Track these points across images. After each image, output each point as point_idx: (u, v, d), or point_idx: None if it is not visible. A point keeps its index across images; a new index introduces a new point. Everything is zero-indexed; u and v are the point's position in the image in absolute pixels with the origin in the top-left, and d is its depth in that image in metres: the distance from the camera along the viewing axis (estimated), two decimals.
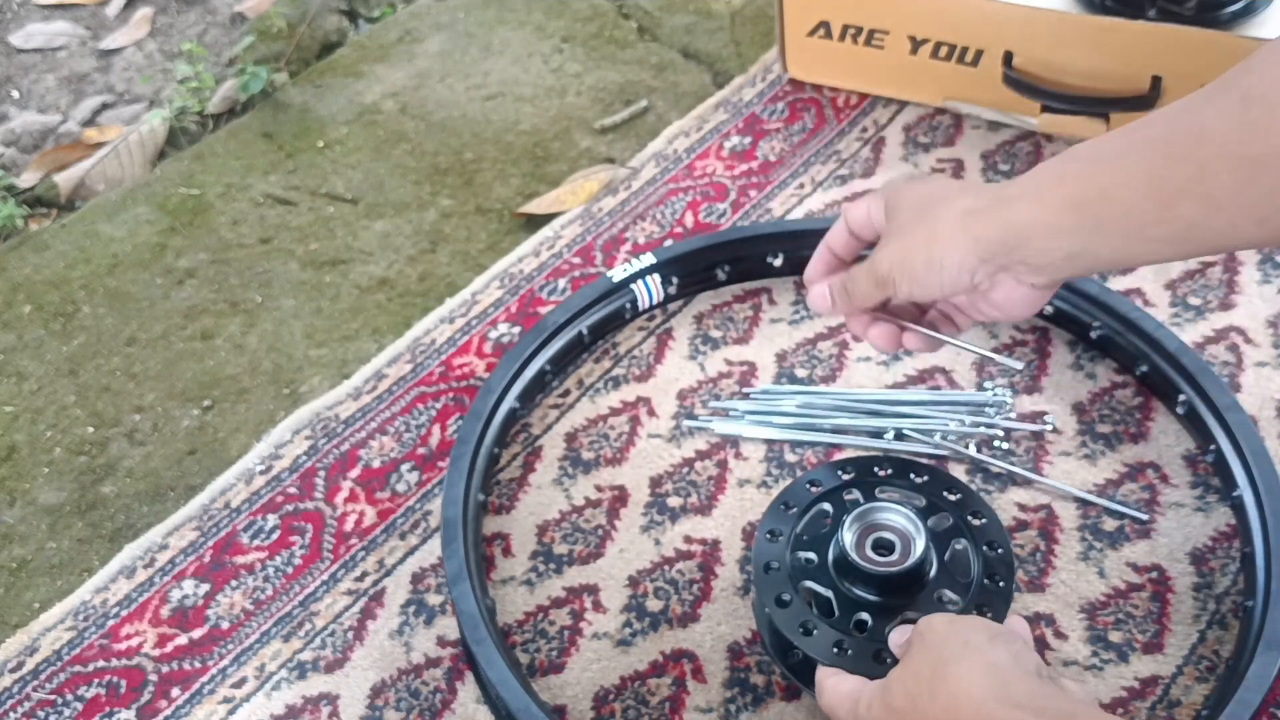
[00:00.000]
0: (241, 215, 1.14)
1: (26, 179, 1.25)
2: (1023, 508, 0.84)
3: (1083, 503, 0.83)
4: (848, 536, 0.71)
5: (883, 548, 0.72)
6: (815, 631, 0.70)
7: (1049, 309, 0.92)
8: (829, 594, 0.72)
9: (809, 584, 0.72)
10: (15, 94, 1.39)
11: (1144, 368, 0.88)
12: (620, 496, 0.87)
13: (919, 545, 0.71)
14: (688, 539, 0.84)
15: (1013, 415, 0.89)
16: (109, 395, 0.99)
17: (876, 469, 0.78)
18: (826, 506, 0.76)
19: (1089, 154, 0.62)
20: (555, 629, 0.80)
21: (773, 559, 0.74)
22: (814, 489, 0.77)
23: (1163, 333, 0.87)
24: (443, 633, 0.80)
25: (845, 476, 0.78)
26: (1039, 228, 0.62)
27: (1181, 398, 0.86)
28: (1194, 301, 0.95)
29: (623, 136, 1.18)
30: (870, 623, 0.70)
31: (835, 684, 0.65)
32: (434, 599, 0.82)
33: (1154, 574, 0.79)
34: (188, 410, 0.97)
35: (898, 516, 0.73)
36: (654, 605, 0.81)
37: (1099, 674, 0.75)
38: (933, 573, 0.72)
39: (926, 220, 0.67)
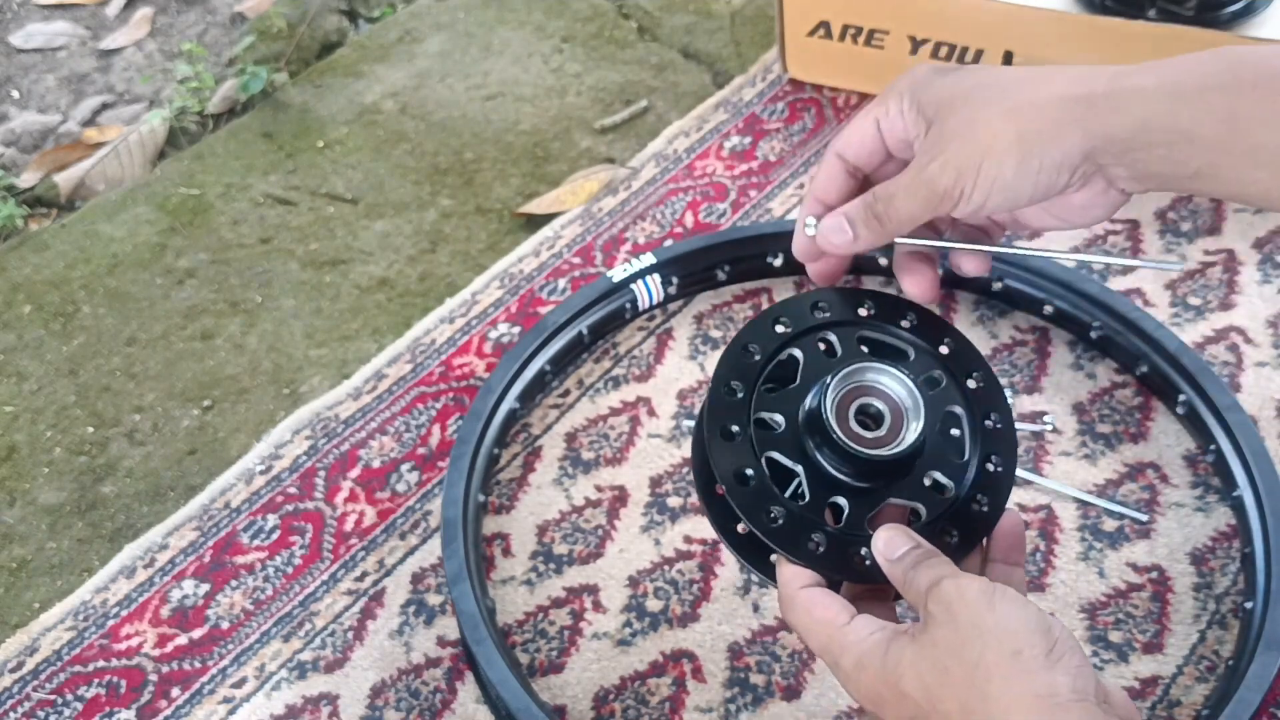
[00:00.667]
0: (241, 215, 1.14)
1: (26, 179, 1.25)
2: (1023, 508, 0.84)
3: (1082, 503, 0.83)
4: (829, 401, 0.57)
5: (869, 419, 0.58)
6: (781, 521, 0.56)
7: (1049, 309, 0.92)
8: (798, 469, 0.58)
9: (775, 455, 0.58)
10: (15, 94, 1.39)
11: (1144, 368, 0.88)
12: (620, 496, 0.87)
13: (915, 424, 0.57)
14: (688, 539, 0.84)
15: (1013, 415, 0.89)
16: (109, 395, 0.99)
17: (860, 309, 0.62)
18: (797, 353, 0.61)
19: (1271, 66, 0.49)
20: (555, 629, 0.80)
21: (732, 420, 0.58)
22: (782, 329, 0.61)
23: (1163, 333, 0.87)
24: (443, 633, 0.81)
25: (820, 316, 0.62)
26: (1178, 136, 0.50)
27: (1181, 398, 0.86)
28: (1194, 301, 0.95)
29: (623, 136, 1.18)
30: (847, 510, 0.57)
31: (809, 602, 0.54)
32: (434, 599, 0.82)
33: (1154, 574, 0.79)
34: (188, 410, 0.97)
35: (892, 382, 0.58)
36: (654, 605, 0.81)
37: (1099, 674, 0.75)
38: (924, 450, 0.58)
39: (1010, 112, 0.52)
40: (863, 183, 0.60)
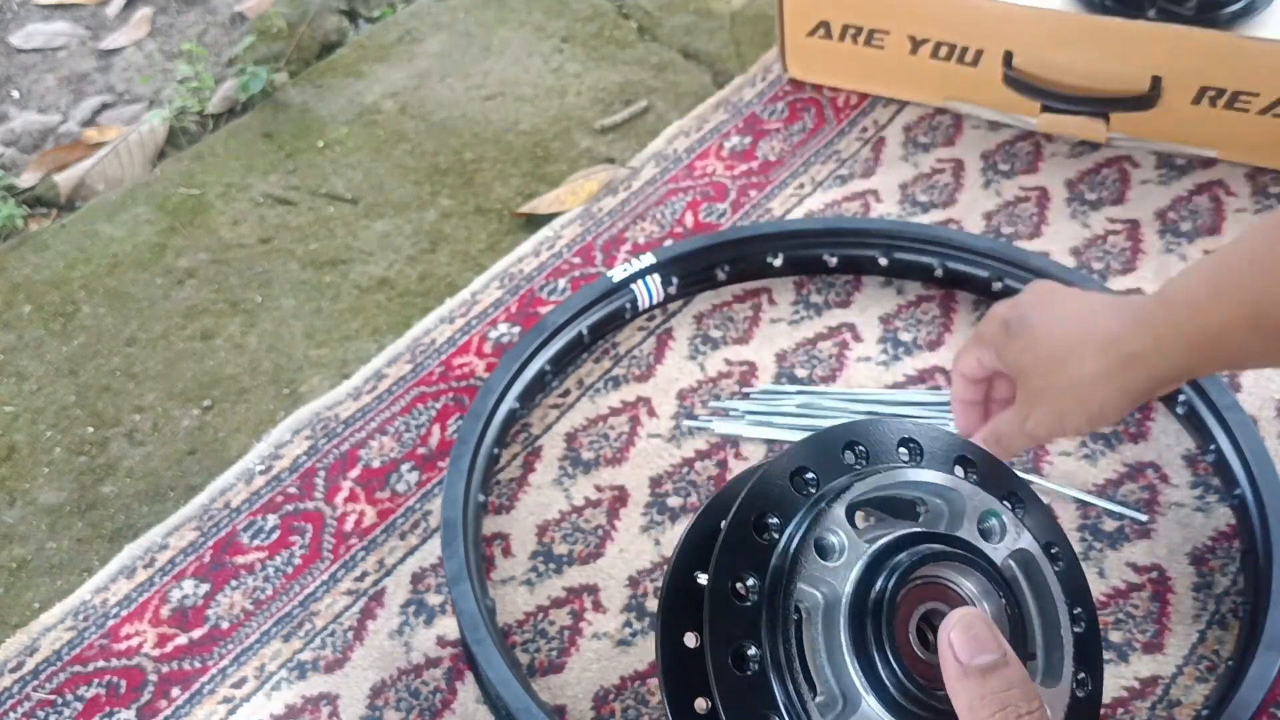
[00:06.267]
0: (241, 215, 1.14)
1: (26, 179, 1.25)
2: None
3: (1082, 503, 0.83)
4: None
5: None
6: None
7: None
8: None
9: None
10: (15, 94, 1.39)
11: None
12: (620, 496, 0.87)
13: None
14: None
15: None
16: (109, 395, 0.99)
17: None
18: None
19: (1256, 285, 0.58)
20: (555, 629, 0.80)
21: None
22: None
23: None
24: (443, 633, 0.80)
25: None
26: (1182, 371, 0.63)
27: (1181, 398, 0.86)
28: None
29: (623, 136, 1.18)
30: None
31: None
32: (434, 599, 0.82)
33: (1154, 574, 0.79)
34: (188, 410, 0.97)
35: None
36: (654, 605, 0.81)
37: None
38: None
39: (1067, 388, 0.66)
40: (985, 383, 0.74)
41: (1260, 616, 0.73)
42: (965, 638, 0.40)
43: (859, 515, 0.45)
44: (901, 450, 0.48)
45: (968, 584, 0.44)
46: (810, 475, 0.45)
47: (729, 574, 0.43)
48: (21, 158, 1.30)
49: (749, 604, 0.43)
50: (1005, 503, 0.49)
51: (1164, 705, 0.73)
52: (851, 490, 0.44)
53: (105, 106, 1.36)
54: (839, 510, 0.44)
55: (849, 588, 0.43)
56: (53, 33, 1.46)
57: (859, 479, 0.45)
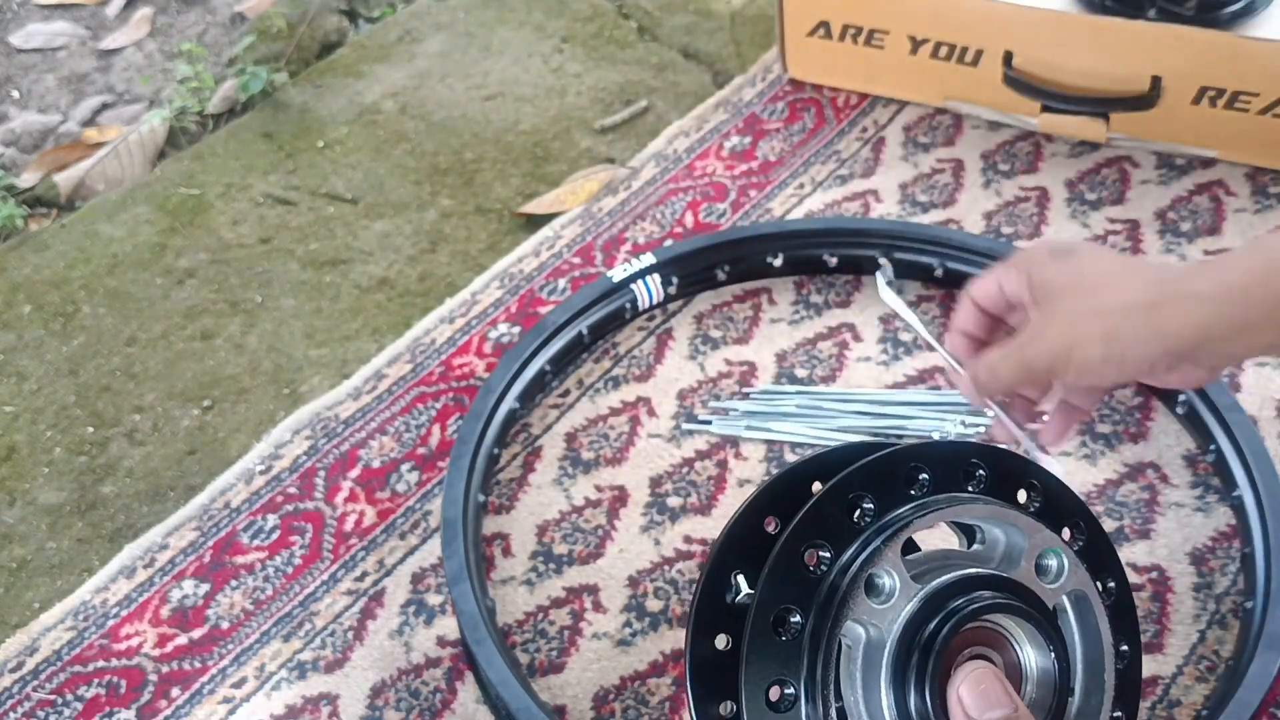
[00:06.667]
0: (241, 215, 1.14)
1: (26, 179, 1.25)
2: None
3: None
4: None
5: None
6: None
7: None
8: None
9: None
10: (15, 94, 1.39)
11: None
12: (620, 496, 0.87)
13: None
14: (688, 539, 0.84)
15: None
16: (109, 395, 0.99)
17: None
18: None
19: None
20: (555, 629, 0.80)
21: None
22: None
23: None
24: (443, 633, 0.80)
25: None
26: (1240, 328, 0.57)
27: (1181, 398, 0.86)
28: None
29: (623, 136, 1.18)
30: None
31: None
32: (434, 599, 0.82)
33: (1154, 574, 0.79)
34: (188, 410, 0.97)
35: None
36: (654, 605, 0.81)
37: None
38: None
39: (1096, 312, 0.60)
40: (992, 320, 0.68)
41: (1260, 616, 0.73)
42: (975, 693, 0.41)
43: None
44: (967, 475, 0.47)
45: (1017, 630, 0.44)
46: (868, 505, 0.45)
47: (772, 605, 0.42)
48: (21, 158, 1.30)
49: (790, 639, 0.42)
50: (1066, 530, 0.48)
51: (1164, 705, 0.73)
52: (910, 528, 0.44)
53: (105, 106, 1.36)
54: (894, 548, 0.43)
55: (896, 630, 0.42)
56: (53, 33, 1.46)
57: (918, 515, 0.44)
